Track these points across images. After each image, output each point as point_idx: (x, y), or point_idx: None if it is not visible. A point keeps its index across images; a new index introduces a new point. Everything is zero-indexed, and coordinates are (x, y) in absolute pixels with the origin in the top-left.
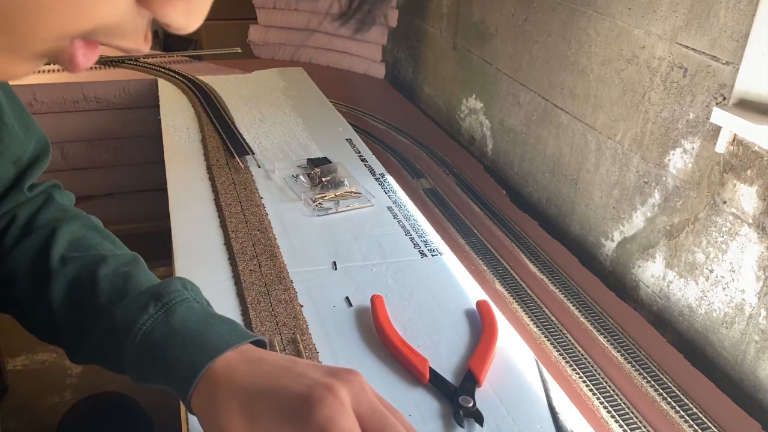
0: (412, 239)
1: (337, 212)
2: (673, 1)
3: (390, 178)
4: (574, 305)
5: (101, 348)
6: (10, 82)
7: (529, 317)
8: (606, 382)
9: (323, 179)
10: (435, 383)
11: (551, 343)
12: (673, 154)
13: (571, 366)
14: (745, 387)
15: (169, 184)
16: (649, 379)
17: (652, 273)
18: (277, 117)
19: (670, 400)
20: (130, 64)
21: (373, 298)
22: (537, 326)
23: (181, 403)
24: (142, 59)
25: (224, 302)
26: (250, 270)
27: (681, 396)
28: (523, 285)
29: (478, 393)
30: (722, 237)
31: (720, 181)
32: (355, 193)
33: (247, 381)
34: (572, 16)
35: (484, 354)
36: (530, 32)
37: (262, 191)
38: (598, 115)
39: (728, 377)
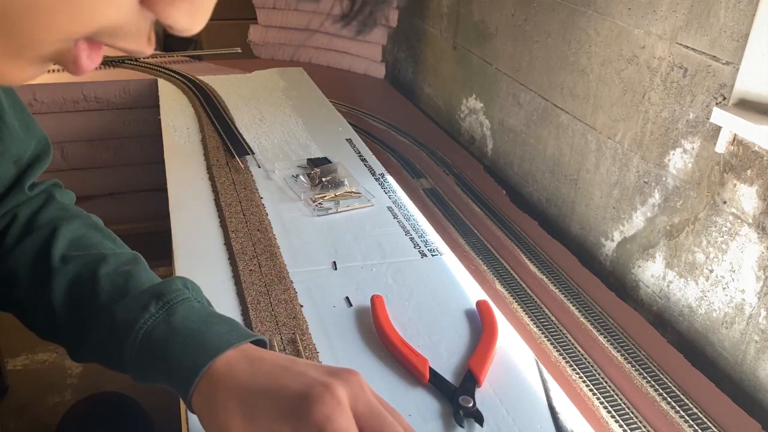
0: (412, 239)
1: (337, 212)
2: (673, 1)
3: (390, 178)
4: (574, 305)
5: (102, 347)
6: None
7: (529, 317)
8: (606, 382)
9: (323, 179)
10: (435, 383)
11: (551, 343)
12: (673, 154)
13: (571, 366)
14: (745, 387)
15: (169, 184)
16: (649, 379)
17: (652, 273)
18: (277, 117)
19: (670, 400)
20: (130, 64)
21: (373, 298)
22: (537, 326)
23: (182, 403)
24: (142, 59)
25: (224, 302)
26: (250, 270)
27: (681, 396)
28: (523, 285)
29: (478, 393)
30: (722, 237)
31: (720, 181)
32: (355, 193)
33: (247, 380)
34: (572, 16)
35: (484, 354)
36: (530, 32)
37: (262, 191)
38: (598, 115)
39: (728, 377)
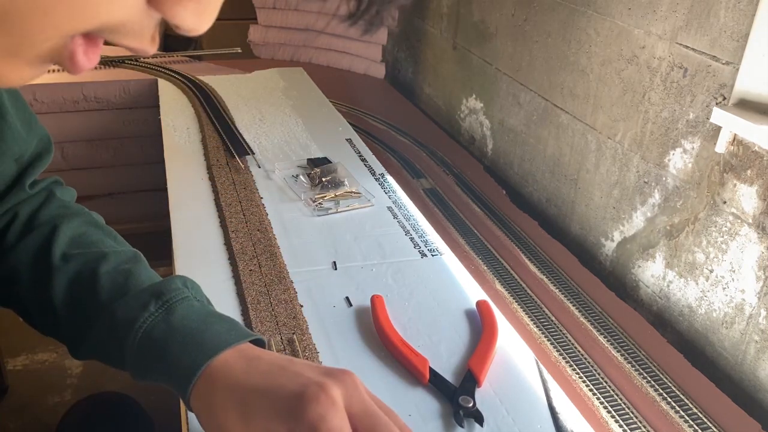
0: (412, 239)
1: (337, 212)
2: (673, 1)
3: (390, 178)
4: (574, 305)
5: (102, 345)
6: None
7: (529, 317)
8: (606, 382)
9: (323, 179)
10: (435, 383)
11: (551, 343)
12: (673, 154)
13: (571, 366)
14: (745, 387)
15: (169, 184)
16: (649, 379)
17: (652, 273)
18: (277, 117)
19: (670, 400)
20: (130, 64)
21: (373, 298)
22: (537, 326)
23: (181, 403)
24: (142, 59)
25: (224, 302)
26: (250, 270)
27: (681, 396)
28: (523, 285)
29: (478, 393)
30: (722, 237)
31: (720, 181)
32: (355, 193)
33: (245, 379)
34: (572, 16)
35: (484, 354)
36: (530, 32)
37: (262, 191)
38: (598, 115)
39: (728, 377)
